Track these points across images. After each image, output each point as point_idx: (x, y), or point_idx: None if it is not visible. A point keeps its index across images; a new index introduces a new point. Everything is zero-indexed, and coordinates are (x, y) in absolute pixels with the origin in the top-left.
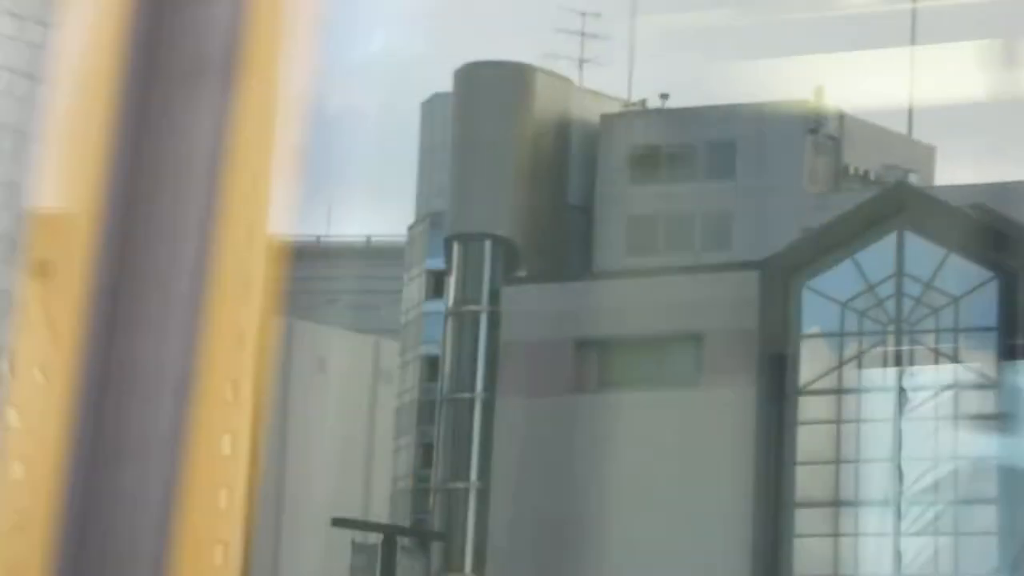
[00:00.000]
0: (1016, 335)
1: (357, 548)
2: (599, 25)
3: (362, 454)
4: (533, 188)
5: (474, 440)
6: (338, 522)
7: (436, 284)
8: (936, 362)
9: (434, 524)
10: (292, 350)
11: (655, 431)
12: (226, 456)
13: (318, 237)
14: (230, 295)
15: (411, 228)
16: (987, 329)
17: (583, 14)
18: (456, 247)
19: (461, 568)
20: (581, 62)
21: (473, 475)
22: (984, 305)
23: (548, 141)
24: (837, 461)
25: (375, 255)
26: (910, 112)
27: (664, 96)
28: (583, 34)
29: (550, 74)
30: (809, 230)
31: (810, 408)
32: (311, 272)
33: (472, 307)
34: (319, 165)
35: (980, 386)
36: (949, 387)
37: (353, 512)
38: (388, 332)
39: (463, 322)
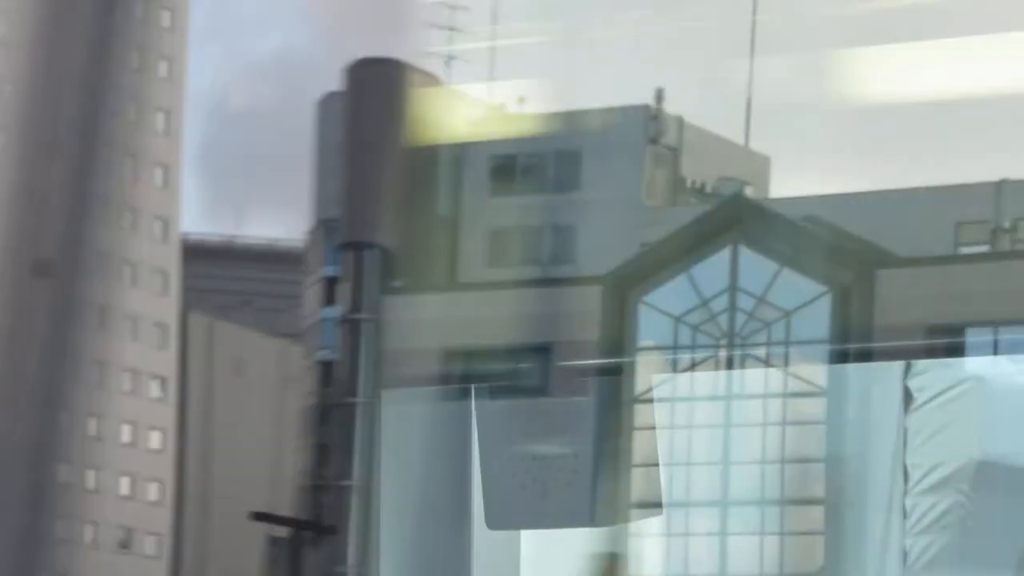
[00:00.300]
0: (847, 347)
1: (271, 541)
2: (467, 18)
3: (273, 454)
4: (408, 195)
5: (356, 442)
6: (258, 516)
7: (330, 291)
8: (766, 373)
9: (327, 520)
10: (214, 350)
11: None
12: (156, 451)
13: (231, 238)
14: (147, 290)
15: (309, 233)
16: (819, 342)
17: (451, 7)
18: (346, 255)
19: (345, 561)
20: (448, 58)
21: (355, 474)
22: (816, 318)
23: (421, 145)
24: (670, 464)
25: (282, 259)
26: (747, 121)
27: (522, 100)
28: (451, 29)
29: (423, 72)
30: (647, 244)
31: (644, 415)
32: (226, 272)
33: (358, 315)
34: (230, 165)
35: (808, 394)
36: (778, 395)
37: (264, 508)
38: (295, 335)
39: (351, 329)
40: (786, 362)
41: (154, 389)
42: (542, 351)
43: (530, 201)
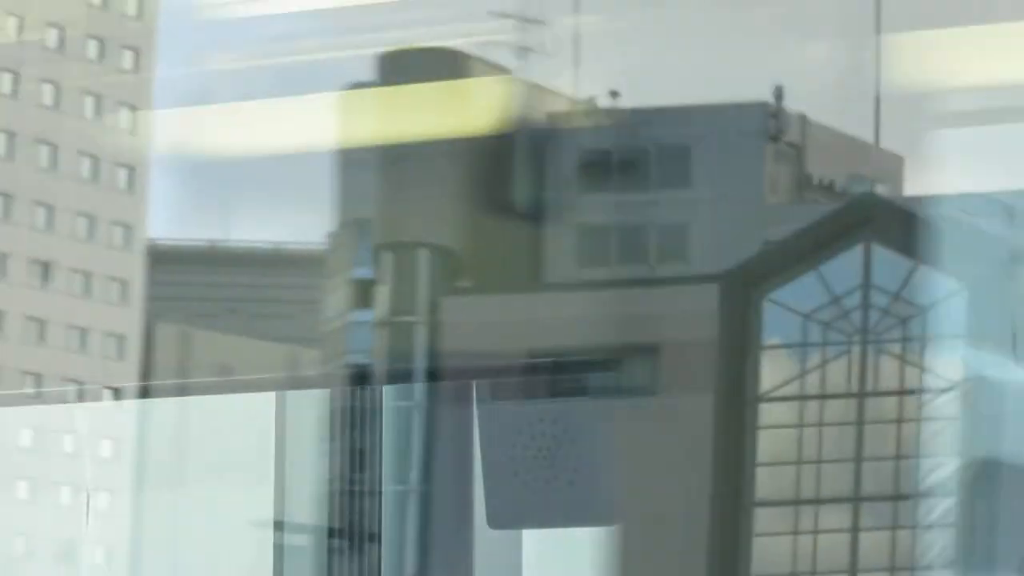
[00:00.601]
0: (982, 344)
1: (279, 551)
2: (541, 8)
3: (272, 459)
4: (474, 193)
5: (414, 445)
6: (264, 523)
7: (363, 294)
8: (902, 370)
9: (368, 527)
10: (191, 358)
11: (611, 438)
12: (106, 460)
13: (213, 242)
14: (104, 299)
15: (332, 235)
16: (954, 337)
17: None
18: (386, 256)
19: (379, 571)
20: (521, 50)
21: (413, 479)
22: (952, 315)
23: (488, 140)
24: (798, 462)
25: (284, 262)
26: (876, 119)
27: (614, 94)
28: (523, 19)
29: (487, 63)
30: (770, 242)
31: (770, 414)
32: (209, 279)
33: (405, 317)
34: (214, 168)
35: (943, 390)
36: (914, 392)
37: (266, 515)
38: (302, 341)
39: (396, 332)
40: (921, 358)
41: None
42: (648, 351)
43: (629, 198)
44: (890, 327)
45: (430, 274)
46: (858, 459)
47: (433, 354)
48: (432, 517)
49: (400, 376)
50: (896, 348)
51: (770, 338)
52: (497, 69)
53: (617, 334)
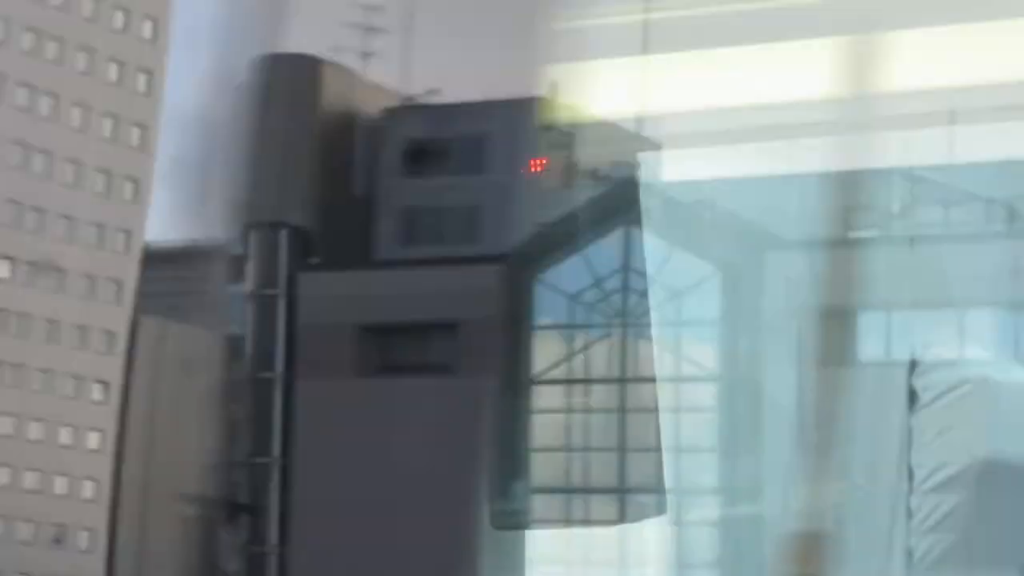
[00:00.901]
0: (738, 327)
1: (195, 522)
2: (382, 19)
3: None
4: (324, 179)
5: (275, 417)
6: (187, 497)
7: (236, 268)
8: (658, 354)
9: (238, 498)
10: (164, 351)
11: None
12: (94, 451)
13: (194, 241)
14: (103, 300)
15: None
16: (708, 322)
17: (366, 7)
18: (255, 235)
19: (265, 541)
20: (365, 55)
21: (275, 451)
22: (705, 298)
23: (336, 133)
24: (567, 449)
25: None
26: (641, 108)
27: (432, 91)
28: (367, 28)
29: (337, 67)
30: (544, 224)
31: (543, 397)
32: (184, 274)
33: (269, 291)
34: (195, 171)
35: (697, 379)
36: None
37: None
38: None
39: (262, 305)
40: (677, 343)
41: (96, 393)
42: (449, 328)
43: (439, 182)
44: (647, 310)
45: (289, 252)
46: (621, 448)
47: (291, 326)
48: (293, 489)
49: (264, 347)
50: (651, 332)
51: (542, 319)
52: (344, 72)
53: (426, 310)
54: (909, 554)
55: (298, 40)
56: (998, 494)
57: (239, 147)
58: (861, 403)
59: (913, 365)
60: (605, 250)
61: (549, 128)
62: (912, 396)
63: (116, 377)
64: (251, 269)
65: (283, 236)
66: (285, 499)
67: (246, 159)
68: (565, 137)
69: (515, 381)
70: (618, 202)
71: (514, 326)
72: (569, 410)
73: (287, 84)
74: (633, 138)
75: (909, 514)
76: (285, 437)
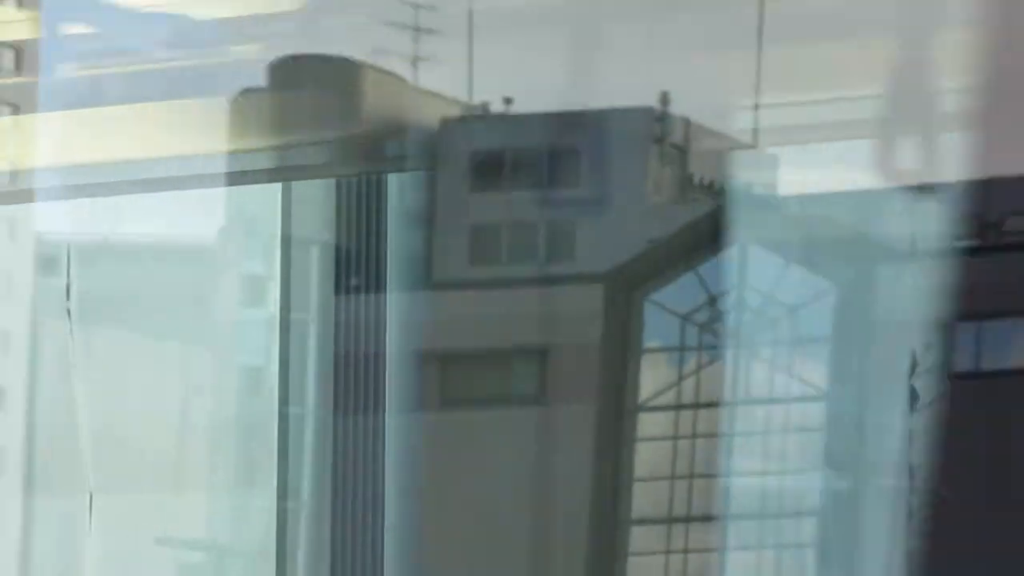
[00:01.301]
0: (850, 344)
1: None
2: (434, 19)
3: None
4: (365, 194)
5: (306, 458)
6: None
7: (255, 290)
8: (772, 373)
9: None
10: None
11: (502, 446)
12: None
13: (105, 237)
14: None
15: (223, 230)
16: (824, 339)
17: (416, 6)
18: (281, 252)
19: None
20: (415, 59)
21: (305, 495)
22: (819, 315)
23: (381, 143)
24: (672, 477)
25: (170, 255)
26: (755, 120)
27: (508, 100)
28: (417, 28)
29: (381, 71)
30: (653, 241)
31: (649, 424)
32: (100, 272)
33: (300, 315)
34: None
35: (808, 398)
36: (784, 399)
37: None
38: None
39: (288, 331)
40: (791, 361)
41: None
42: (537, 354)
43: (519, 197)
44: (762, 328)
45: (321, 272)
46: (728, 473)
47: (325, 354)
48: (327, 537)
49: (294, 377)
50: (766, 351)
51: (650, 341)
52: (391, 77)
53: (506, 336)
54: (909, 554)
55: (332, 40)
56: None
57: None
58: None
59: (914, 364)
60: (718, 267)
61: (659, 140)
62: (913, 396)
63: (14, 382)
64: (278, 290)
65: (314, 254)
66: (318, 550)
67: (271, 169)
68: (676, 150)
69: (615, 408)
70: (731, 217)
71: (614, 350)
72: (677, 436)
73: (317, 89)
74: (748, 151)
75: (910, 515)
76: (313, 476)
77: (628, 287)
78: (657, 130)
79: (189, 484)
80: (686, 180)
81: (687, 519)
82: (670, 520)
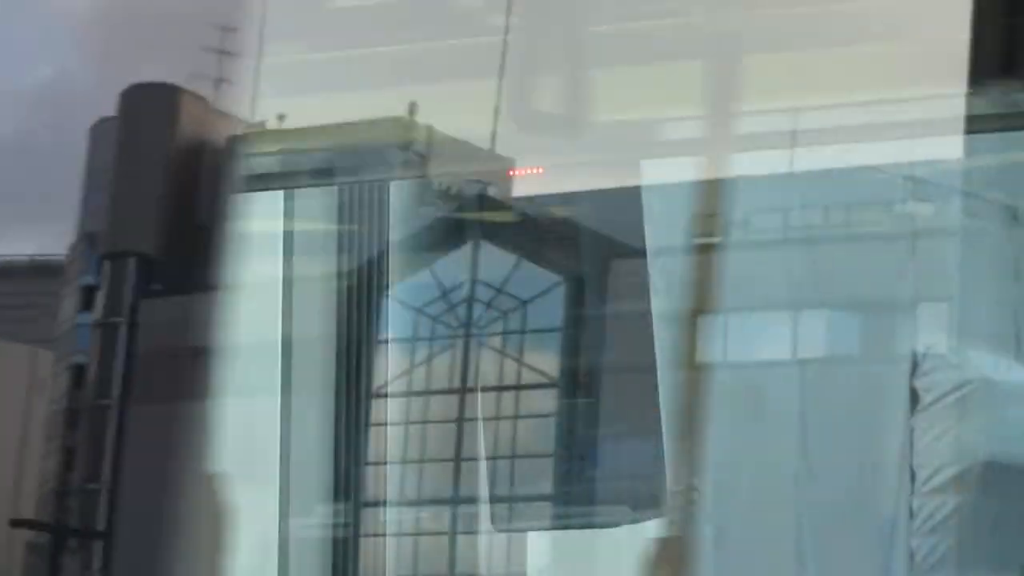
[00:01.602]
0: (580, 336)
1: (29, 548)
2: (236, 42)
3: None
4: (172, 207)
5: (107, 444)
6: (16, 523)
7: (87, 299)
8: (502, 363)
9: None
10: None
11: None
12: None
13: (33, 257)
14: None
15: (72, 247)
16: (553, 330)
17: (222, 29)
18: (106, 264)
19: (90, 566)
20: (218, 81)
21: (105, 477)
22: (549, 308)
23: (189, 162)
24: (405, 461)
25: (40, 272)
26: (494, 128)
27: (281, 117)
28: (221, 52)
29: (191, 94)
30: (393, 242)
31: (383, 409)
32: (25, 290)
33: (114, 319)
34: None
35: (541, 385)
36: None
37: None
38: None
39: (105, 333)
40: (521, 352)
41: None
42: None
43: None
44: (493, 321)
45: (136, 280)
46: (457, 458)
47: (131, 353)
48: (121, 516)
49: (105, 374)
50: (498, 342)
51: (386, 333)
52: (201, 100)
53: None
54: (911, 555)
55: (161, 68)
56: (1001, 495)
57: (100, 178)
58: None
59: (915, 365)
60: (453, 265)
61: (404, 148)
62: (914, 396)
63: None
64: (100, 298)
65: (131, 264)
66: (112, 525)
67: (107, 190)
68: (418, 157)
69: (352, 396)
70: (467, 219)
71: (351, 342)
72: (409, 422)
73: (146, 114)
74: (486, 155)
75: (911, 515)
76: (116, 463)
77: (367, 283)
78: (404, 139)
79: None
80: (427, 184)
81: (420, 502)
82: (407, 502)
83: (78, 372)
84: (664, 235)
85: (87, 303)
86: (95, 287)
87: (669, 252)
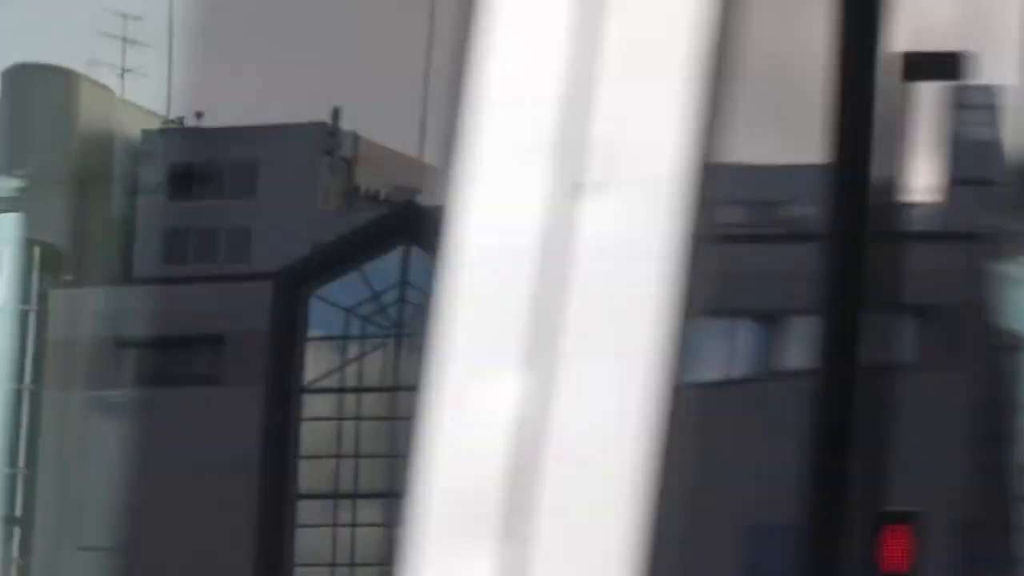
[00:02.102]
0: None
1: None
2: (140, 31)
3: None
4: (80, 198)
5: (22, 429)
6: None
7: None
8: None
9: None
10: None
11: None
12: None
13: None
14: None
15: None
16: None
17: (124, 16)
18: (5, 251)
19: (8, 552)
20: (123, 71)
21: (21, 462)
22: None
23: (94, 154)
24: (338, 456)
25: None
26: (422, 134)
27: (199, 114)
28: (125, 39)
29: (95, 83)
30: (319, 245)
31: (313, 405)
32: None
33: (23, 307)
34: None
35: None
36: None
37: None
38: None
39: (12, 321)
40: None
41: None
42: (215, 342)
43: (205, 205)
44: (421, 321)
45: (41, 269)
46: (391, 454)
47: (42, 341)
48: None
49: (16, 361)
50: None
51: (315, 331)
52: (103, 89)
53: (188, 326)
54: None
55: (54, 48)
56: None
57: None
58: None
59: None
60: (382, 267)
61: (329, 154)
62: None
63: None
64: (2, 284)
65: (36, 253)
66: (30, 510)
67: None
68: (344, 163)
69: (283, 391)
70: (396, 223)
71: (282, 339)
72: (340, 417)
73: (42, 98)
74: (414, 163)
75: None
76: (31, 449)
77: (296, 284)
78: (328, 144)
79: None
80: (353, 189)
81: (352, 495)
82: (336, 496)
83: None
84: None
85: None
86: None
87: None
